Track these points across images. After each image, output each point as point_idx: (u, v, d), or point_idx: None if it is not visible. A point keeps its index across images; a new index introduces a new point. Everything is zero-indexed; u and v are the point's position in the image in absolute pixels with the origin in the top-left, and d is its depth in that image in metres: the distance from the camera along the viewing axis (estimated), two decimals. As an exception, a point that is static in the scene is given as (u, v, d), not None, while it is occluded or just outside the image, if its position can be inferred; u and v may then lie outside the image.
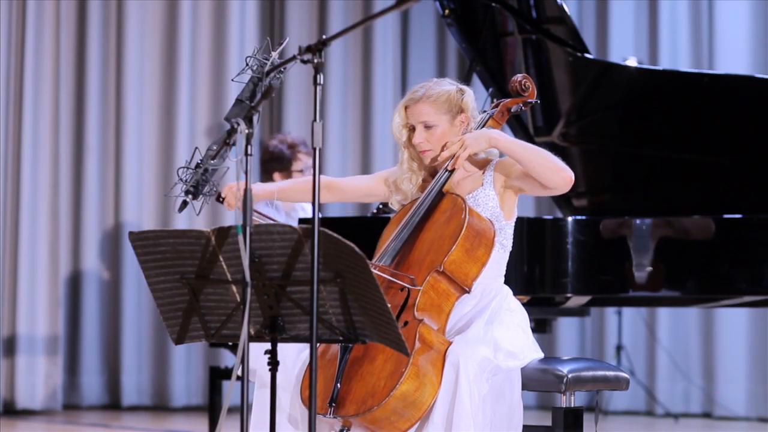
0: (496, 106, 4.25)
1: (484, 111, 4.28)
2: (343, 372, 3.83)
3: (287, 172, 6.72)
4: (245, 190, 3.38)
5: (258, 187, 4.21)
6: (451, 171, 4.09)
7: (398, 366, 3.76)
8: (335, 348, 3.89)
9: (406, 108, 4.18)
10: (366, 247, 3.49)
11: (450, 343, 3.87)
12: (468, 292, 3.99)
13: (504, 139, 4.07)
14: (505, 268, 4.15)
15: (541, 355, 4.10)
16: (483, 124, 4.20)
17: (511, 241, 4.15)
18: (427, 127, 4.14)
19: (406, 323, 3.85)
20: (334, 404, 3.80)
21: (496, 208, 4.10)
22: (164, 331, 8.13)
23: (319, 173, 3.42)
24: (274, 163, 6.73)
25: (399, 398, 3.74)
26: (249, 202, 3.39)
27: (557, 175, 4.00)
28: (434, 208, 4.08)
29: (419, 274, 3.96)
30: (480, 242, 4.00)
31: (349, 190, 4.38)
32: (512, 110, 4.27)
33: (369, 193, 4.37)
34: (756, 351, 8.49)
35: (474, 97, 4.22)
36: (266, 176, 6.81)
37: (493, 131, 4.10)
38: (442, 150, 4.12)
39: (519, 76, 4.28)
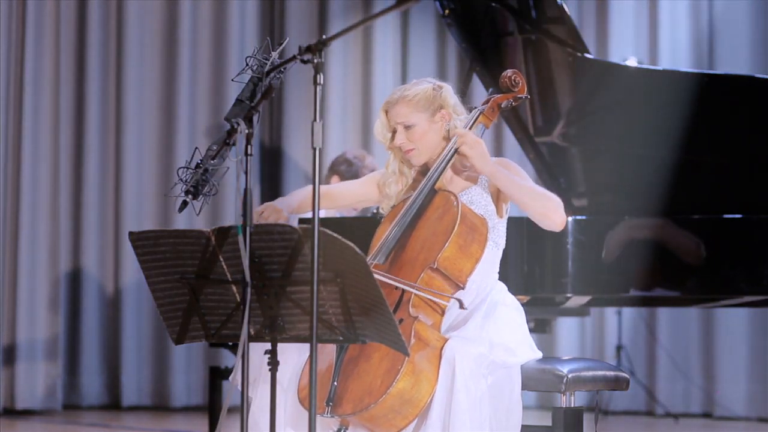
0: (487, 102, 4.25)
1: (475, 107, 4.28)
2: (340, 371, 3.83)
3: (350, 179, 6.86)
4: (245, 191, 3.38)
5: (282, 204, 4.20)
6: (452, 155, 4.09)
7: (394, 364, 3.76)
8: (331, 347, 3.89)
9: (386, 111, 4.20)
10: (366, 247, 3.50)
11: (446, 340, 3.87)
12: (462, 288, 4.00)
13: (503, 176, 4.05)
14: (498, 266, 4.17)
15: (539, 353, 4.10)
16: (474, 120, 4.20)
17: (504, 239, 4.16)
18: (407, 127, 4.16)
19: (401, 321, 3.85)
20: (331, 403, 3.80)
21: (489, 206, 4.12)
22: (164, 331, 8.12)
23: (320, 173, 3.43)
24: (343, 166, 6.91)
25: (396, 396, 3.75)
26: (249, 203, 3.39)
27: (546, 220, 4.05)
28: (427, 205, 4.08)
29: (413, 271, 3.97)
30: (473, 238, 4.01)
31: (341, 197, 4.39)
32: (502, 106, 4.26)
33: (362, 198, 4.38)
34: (756, 351, 8.49)
35: (453, 92, 4.22)
36: (331, 173, 7.01)
37: (496, 168, 4.07)
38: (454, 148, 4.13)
39: (509, 72, 4.27)
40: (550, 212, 4.04)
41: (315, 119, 3.39)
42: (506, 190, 4.06)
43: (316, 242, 3.34)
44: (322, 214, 6.20)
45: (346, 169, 6.90)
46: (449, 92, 4.21)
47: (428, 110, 4.16)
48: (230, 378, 3.97)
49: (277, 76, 3.65)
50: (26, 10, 8.33)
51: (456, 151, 4.12)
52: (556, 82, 6.36)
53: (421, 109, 4.16)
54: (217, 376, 6.75)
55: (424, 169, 4.20)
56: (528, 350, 4.04)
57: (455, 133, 4.10)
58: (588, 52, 6.25)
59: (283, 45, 3.69)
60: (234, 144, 3.53)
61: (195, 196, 3.61)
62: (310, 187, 4.30)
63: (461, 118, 4.20)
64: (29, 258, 8.26)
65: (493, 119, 4.26)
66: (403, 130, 4.17)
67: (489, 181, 4.14)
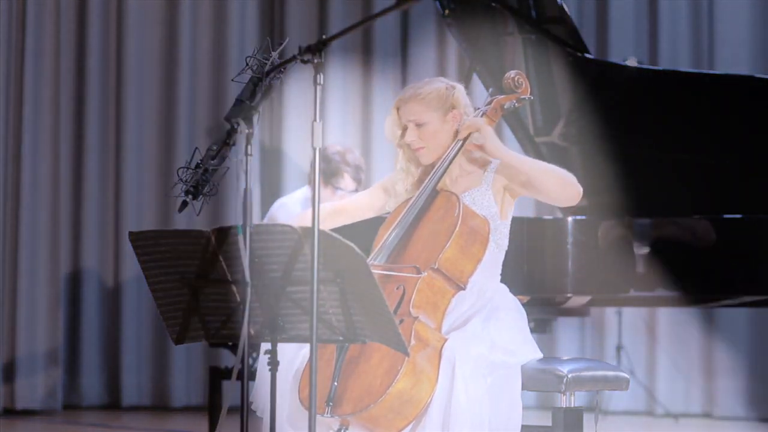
0: (489, 103, 4.26)
1: (478, 108, 4.28)
2: (340, 371, 3.84)
3: (325, 179, 6.78)
4: (245, 191, 3.39)
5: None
6: (464, 140, 4.11)
7: (394, 364, 3.77)
8: (331, 347, 3.89)
9: (398, 108, 4.21)
10: (366, 247, 3.50)
11: (446, 340, 3.88)
12: (463, 289, 4.00)
13: (516, 158, 4.09)
14: (500, 268, 4.17)
15: (539, 354, 4.10)
16: None
17: (507, 240, 4.17)
18: (418, 125, 4.17)
19: (401, 321, 3.86)
20: (331, 403, 3.81)
21: (492, 207, 4.12)
22: (164, 331, 8.12)
23: (319, 174, 3.43)
24: (321, 164, 6.76)
25: (395, 396, 3.75)
26: (249, 203, 3.39)
27: (563, 193, 4.08)
28: (429, 205, 4.09)
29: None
30: (475, 239, 4.01)
31: (353, 209, 4.39)
32: (505, 107, 4.26)
33: (377, 206, 4.36)
34: (756, 351, 8.49)
35: (465, 93, 4.23)
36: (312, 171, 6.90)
37: (509, 153, 4.11)
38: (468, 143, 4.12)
39: (512, 73, 4.28)
40: (566, 186, 4.07)
41: (315, 119, 3.40)
42: (522, 169, 4.08)
43: (316, 242, 3.34)
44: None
45: (325, 167, 6.80)
46: (462, 93, 4.22)
47: (441, 109, 4.17)
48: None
49: (277, 76, 3.65)
50: (26, 10, 8.32)
51: (460, 149, 4.13)
52: (556, 82, 6.36)
53: (433, 108, 4.17)
54: (217, 376, 6.76)
55: (429, 169, 4.20)
56: (529, 351, 4.04)
57: (466, 123, 4.10)
58: (588, 52, 6.25)
59: (283, 45, 3.69)
60: (234, 144, 3.53)
61: (195, 196, 3.61)
62: (328, 204, 4.35)
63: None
64: (29, 258, 8.25)
65: (495, 120, 4.26)
66: (414, 127, 4.18)
67: (494, 183, 4.14)
